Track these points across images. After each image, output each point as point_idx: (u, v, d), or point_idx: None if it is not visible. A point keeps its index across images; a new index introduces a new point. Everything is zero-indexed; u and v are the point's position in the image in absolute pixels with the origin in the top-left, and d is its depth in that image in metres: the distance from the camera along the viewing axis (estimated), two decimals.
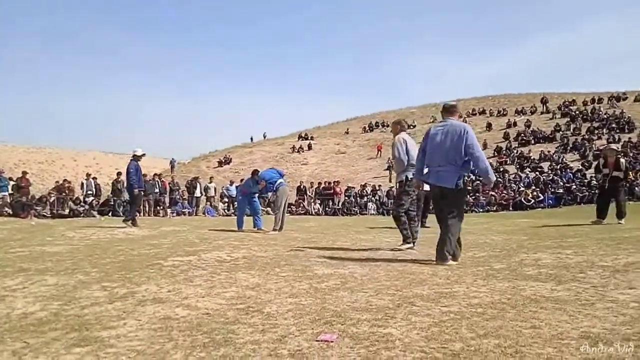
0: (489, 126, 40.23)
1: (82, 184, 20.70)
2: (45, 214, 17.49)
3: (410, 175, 6.16)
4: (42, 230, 9.53)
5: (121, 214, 18.38)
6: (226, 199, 22.97)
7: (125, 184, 13.00)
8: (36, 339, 2.55)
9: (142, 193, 11.47)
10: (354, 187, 26.24)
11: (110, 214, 18.29)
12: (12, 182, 18.81)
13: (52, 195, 19.31)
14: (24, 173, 19.84)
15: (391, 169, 29.64)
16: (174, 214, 20.08)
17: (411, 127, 43.99)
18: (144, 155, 11.45)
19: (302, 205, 23.85)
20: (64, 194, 19.49)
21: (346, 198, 24.71)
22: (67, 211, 18.18)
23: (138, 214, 11.48)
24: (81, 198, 19.33)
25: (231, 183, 23.77)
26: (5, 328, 2.76)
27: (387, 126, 46.98)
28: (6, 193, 17.68)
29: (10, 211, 16.35)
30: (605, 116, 36.04)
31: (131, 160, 11.27)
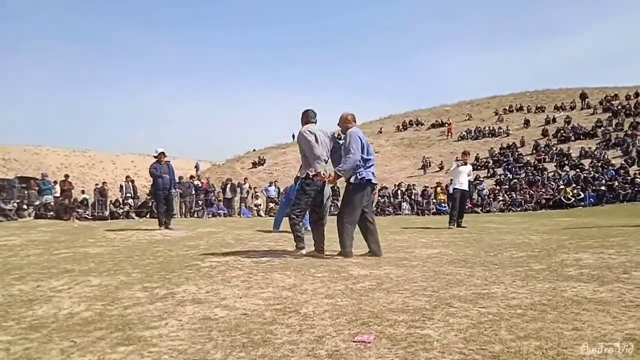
0: (526, 123, 39.32)
1: (122, 186, 21.20)
2: (86, 216, 18.04)
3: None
4: (84, 232, 9.83)
5: None
6: (262, 200, 23.19)
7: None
8: (82, 338, 2.64)
9: (163, 194, 10.65)
10: (387, 187, 26.10)
11: (148, 216, 18.71)
12: (57, 186, 19.50)
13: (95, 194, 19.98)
14: (66, 176, 20.55)
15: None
16: (210, 215, 20.39)
17: (446, 124, 43.57)
18: (161, 154, 10.75)
19: (335, 205, 23.84)
20: (104, 196, 20.11)
21: (380, 198, 24.59)
22: (107, 213, 18.71)
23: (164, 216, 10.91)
24: (120, 200, 19.84)
25: (270, 184, 23.95)
26: (53, 327, 2.87)
27: (422, 124, 46.54)
28: (50, 196, 18.31)
29: (53, 214, 16.92)
30: None
31: (154, 161, 10.84)
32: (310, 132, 5.65)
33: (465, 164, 11.39)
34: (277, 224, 10.48)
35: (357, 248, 5.67)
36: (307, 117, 5.83)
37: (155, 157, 10.93)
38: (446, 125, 43.42)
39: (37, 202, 17.71)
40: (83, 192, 23.10)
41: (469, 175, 11.54)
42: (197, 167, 41.32)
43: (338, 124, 5.80)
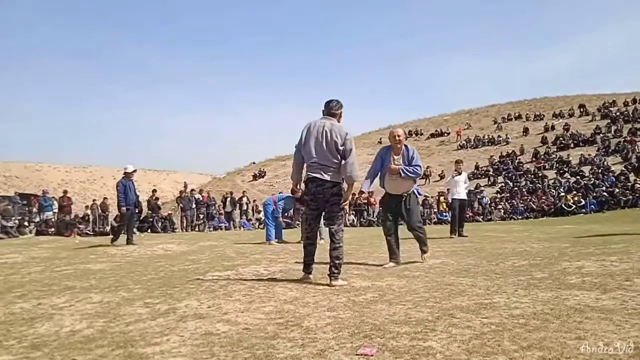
0: (525, 131, 39.46)
1: None
2: (87, 232, 18.03)
3: None
4: (86, 248, 9.82)
5: (159, 230, 18.79)
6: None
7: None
8: (84, 356, 2.63)
9: (130, 211, 10.92)
10: None
11: (149, 230, 18.70)
12: (55, 202, 19.48)
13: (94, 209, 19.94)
14: (65, 192, 20.56)
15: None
16: (211, 229, 20.38)
17: (445, 134, 43.67)
18: (134, 171, 11.03)
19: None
20: (105, 212, 20.10)
21: (381, 208, 24.54)
22: (108, 229, 18.69)
23: (138, 231, 10.83)
24: None
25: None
26: (54, 345, 2.86)
27: (421, 134, 46.62)
28: (51, 212, 18.30)
29: (54, 230, 16.91)
30: None
31: (122, 177, 10.86)
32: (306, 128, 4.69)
33: (460, 173, 11.40)
34: (277, 235, 10.57)
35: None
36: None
37: (127, 174, 10.89)
38: (445, 135, 43.73)
39: (38, 219, 17.70)
40: (87, 207, 23.03)
41: (465, 184, 11.56)
42: (185, 186, 41.32)
43: (397, 140, 6.09)
